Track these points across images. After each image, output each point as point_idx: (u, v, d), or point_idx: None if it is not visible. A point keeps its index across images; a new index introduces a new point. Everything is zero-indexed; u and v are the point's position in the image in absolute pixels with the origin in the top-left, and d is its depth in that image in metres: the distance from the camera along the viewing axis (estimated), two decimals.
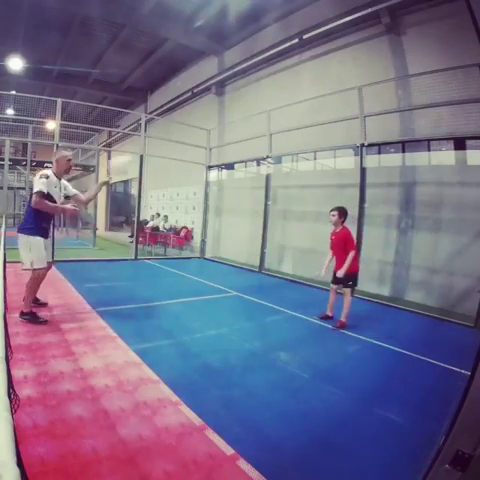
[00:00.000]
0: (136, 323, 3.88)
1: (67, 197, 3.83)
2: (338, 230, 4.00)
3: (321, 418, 2.18)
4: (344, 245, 3.90)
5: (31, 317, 3.46)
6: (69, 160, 3.68)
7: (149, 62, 11.44)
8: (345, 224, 4.03)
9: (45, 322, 3.44)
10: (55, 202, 3.56)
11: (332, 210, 4.03)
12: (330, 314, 4.17)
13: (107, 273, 6.60)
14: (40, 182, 3.40)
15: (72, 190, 3.87)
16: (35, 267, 3.44)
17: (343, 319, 3.90)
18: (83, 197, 3.94)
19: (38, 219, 3.48)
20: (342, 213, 3.98)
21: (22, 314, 3.46)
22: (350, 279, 3.91)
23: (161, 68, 11.96)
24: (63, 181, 3.76)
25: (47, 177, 3.44)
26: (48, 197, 3.46)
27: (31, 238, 3.44)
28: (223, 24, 8.54)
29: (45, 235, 3.60)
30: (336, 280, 4.00)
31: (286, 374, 2.76)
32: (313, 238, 7.12)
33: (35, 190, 3.39)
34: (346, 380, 2.70)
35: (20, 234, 3.46)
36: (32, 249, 3.43)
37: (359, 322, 4.02)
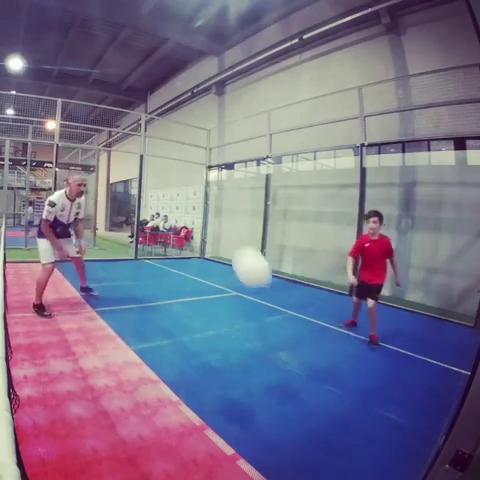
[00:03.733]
0: (136, 323, 3.88)
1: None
2: (375, 238, 3.50)
3: (321, 418, 2.18)
4: (386, 255, 3.50)
5: (38, 309, 3.71)
6: (79, 185, 3.82)
7: (149, 62, 11.45)
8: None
9: (49, 316, 3.64)
10: (62, 224, 3.89)
11: (372, 216, 3.48)
12: (355, 320, 3.89)
13: (107, 273, 6.60)
14: (45, 210, 3.73)
15: (81, 213, 4.09)
16: (43, 261, 3.80)
17: (373, 332, 3.50)
18: (80, 230, 4.18)
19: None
20: (381, 219, 3.47)
21: (33, 306, 3.75)
22: (380, 289, 3.54)
23: (161, 68, 11.97)
24: (77, 201, 3.94)
25: (53, 205, 3.72)
26: (55, 221, 3.79)
27: (39, 240, 3.84)
28: (223, 24, 8.54)
29: (56, 236, 3.83)
30: (366, 292, 3.52)
31: (286, 374, 2.76)
32: (313, 238, 7.13)
33: (42, 216, 3.78)
34: (346, 380, 2.70)
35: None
36: (40, 249, 3.83)
37: (359, 322, 4.02)
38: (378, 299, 3.52)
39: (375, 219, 3.46)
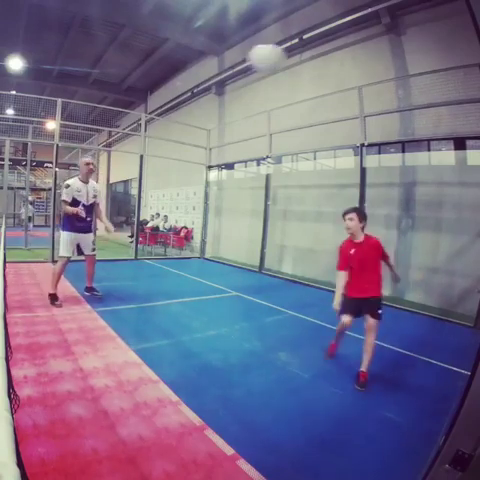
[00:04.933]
0: (136, 323, 3.88)
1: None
2: (360, 240, 2.77)
3: (321, 418, 2.18)
4: (378, 258, 2.77)
5: (51, 298, 4.08)
6: (87, 164, 4.28)
7: (149, 62, 11.44)
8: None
9: (60, 306, 4.02)
10: (83, 204, 4.21)
11: (348, 212, 2.77)
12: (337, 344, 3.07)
13: (107, 273, 6.59)
14: (63, 192, 4.17)
15: (99, 198, 4.48)
16: (60, 255, 4.21)
17: (365, 369, 2.60)
18: (100, 212, 4.59)
19: (67, 218, 4.19)
20: (362, 216, 2.78)
21: (48, 295, 4.12)
22: (381, 303, 2.70)
23: (161, 68, 11.96)
24: (92, 185, 4.37)
25: (67, 186, 4.16)
26: (74, 201, 4.16)
27: (61, 233, 4.26)
28: (223, 24, 8.53)
29: (78, 230, 4.24)
30: (364, 308, 2.71)
31: (286, 374, 2.76)
32: (313, 238, 7.13)
33: (62, 198, 4.20)
34: (346, 380, 2.69)
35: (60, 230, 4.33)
36: (60, 241, 4.23)
37: (359, 322, 4.01)
38: (380, 317, 2.69)
39: (351, 216, 2.74)
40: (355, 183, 5.74)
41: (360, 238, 2.79)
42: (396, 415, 2.20)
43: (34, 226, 13.83)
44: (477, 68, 4.36)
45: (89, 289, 4.59)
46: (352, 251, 2.79)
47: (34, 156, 13.24)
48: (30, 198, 16.62)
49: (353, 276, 2.82)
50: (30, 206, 16.31)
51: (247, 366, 2.87)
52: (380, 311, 2.68)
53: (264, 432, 1.96)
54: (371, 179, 5.71)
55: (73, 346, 2.92)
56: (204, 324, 3.88)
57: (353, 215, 2.75)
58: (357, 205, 5.61)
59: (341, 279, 2.81)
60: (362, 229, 2.80)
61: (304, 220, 7.39)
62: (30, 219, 14.35)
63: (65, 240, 4.18)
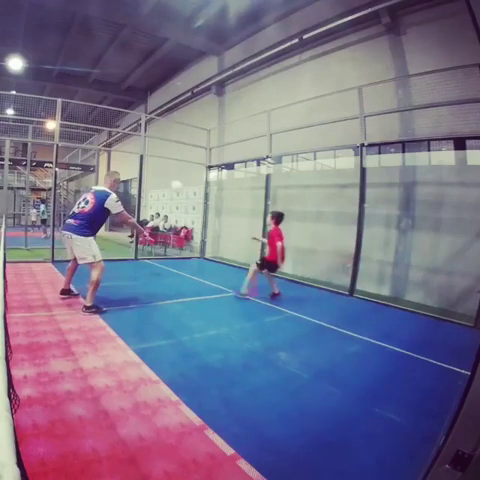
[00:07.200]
0: (136, 323, 3.88)
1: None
2: (271, 229, 5.17)
3: (321, 418, 2.18)
4: (272, 240, 4.97)
5: (96, 308, 3.92)
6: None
7: (149, 62, 11.45)
8: (279, 225, 5.09)
9: (105, 311, 3.95)
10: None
11: (269, 215, 5.44)
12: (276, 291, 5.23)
13: (107, 273, 6.53)
14: (119, 204, 4.08)
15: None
16: (98, 259, 3.99)
17: (277, 291, 5.12)
18: None
19: (96, 226, 4.11)
20: (274, 218, 5.13)
21: (87, 308, 3.88)
22: (271, 264, 5.03)
23: (161, 68, 11.97)
24: None
25: (118, 199, 4.11)
26: (108, 212, 4.05)
27: (89, 238, 3.98)
28: (223, 24, 8.54)
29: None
30: (262, 266, 5.07)
31: (286, 374, 2.76)
32: (313, 238, 7.14)
33: (120, 210, 4.08)
34: (346, 380, 2.70)
35: (80, 236, 3.93)
36: (92, 246, 3.97)
37: (359, 322, 4.02)
38: (267, 272, 5.09)
39: (268, 218, 5.50)
40: (355, 183, 5.73)
41: (271, 228, 5.13)
42: (396, 415, 2.21)
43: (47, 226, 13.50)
44: (477, 68, 4.36)
45: (67, 291, 4.46)
46: (267, 233, 5.41)
47: (34, 156, 13.23)
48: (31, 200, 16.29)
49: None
50: (43, 206, 16.01)
51: (247, 366, 2.87)
52: (269, 270, 5.07)
53: (264, 432, 1.96)
54: (371, 179, 5.71)
55: (73, 346, 2.92)
56: (204, 324, 3.88)
57: (269, 217, 5.31)
58: (357, 205, 5.63)
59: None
60: (274, 224, 5.06)
61: (304, 220, 7.39)
62: (45, 222, 14.09)
63: (96, 245, 4.03)
